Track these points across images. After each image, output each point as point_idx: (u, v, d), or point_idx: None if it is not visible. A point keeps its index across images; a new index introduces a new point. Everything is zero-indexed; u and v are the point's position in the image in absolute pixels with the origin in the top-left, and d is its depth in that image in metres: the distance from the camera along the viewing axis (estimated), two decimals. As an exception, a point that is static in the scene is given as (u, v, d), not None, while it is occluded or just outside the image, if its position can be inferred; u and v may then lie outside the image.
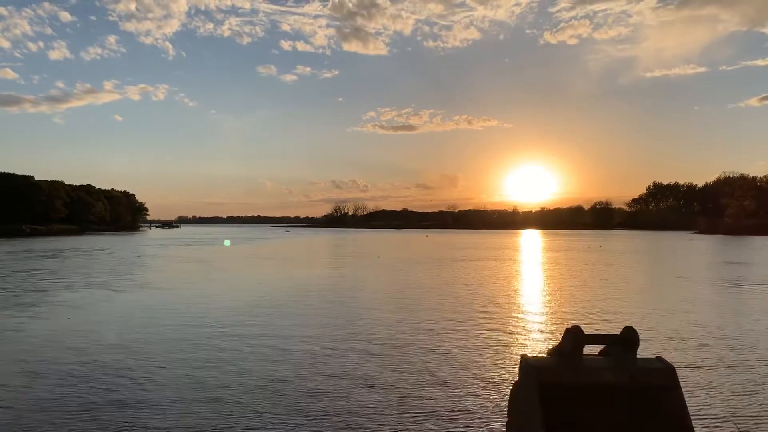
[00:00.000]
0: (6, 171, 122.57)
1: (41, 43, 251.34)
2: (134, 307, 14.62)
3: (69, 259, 33.47)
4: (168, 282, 21.12)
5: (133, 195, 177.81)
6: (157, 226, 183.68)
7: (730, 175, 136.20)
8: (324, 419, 6.08)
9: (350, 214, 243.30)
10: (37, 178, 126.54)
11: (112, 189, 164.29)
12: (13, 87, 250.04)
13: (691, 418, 3.41)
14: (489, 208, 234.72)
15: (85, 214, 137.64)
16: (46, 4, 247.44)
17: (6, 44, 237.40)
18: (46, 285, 19.40)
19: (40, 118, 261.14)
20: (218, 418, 6.14)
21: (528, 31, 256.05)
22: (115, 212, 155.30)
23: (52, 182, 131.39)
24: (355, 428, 5.84)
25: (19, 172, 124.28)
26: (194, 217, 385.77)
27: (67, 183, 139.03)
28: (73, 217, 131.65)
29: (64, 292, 17.58)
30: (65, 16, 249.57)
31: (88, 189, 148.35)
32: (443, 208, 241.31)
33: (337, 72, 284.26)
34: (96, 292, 17.52)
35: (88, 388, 7.29)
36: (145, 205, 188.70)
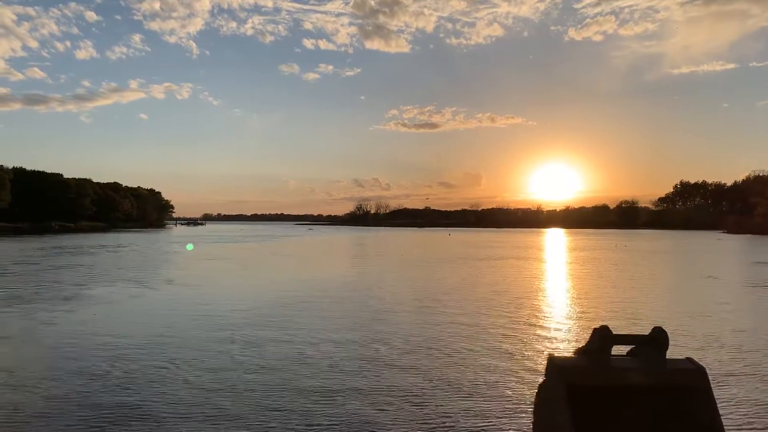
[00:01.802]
0: (35, 169, 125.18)
1: (68, 43, 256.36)
2: (162, 304, 14.84)
3: (98, 256, 34.07)
4: (194, 279, 21.37)
5: (159, 193, 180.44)
6: (182, 224, 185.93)
7: (760, 174, 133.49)
8: (344, 420, 6.11)
9: (372, 212, 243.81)
10: (65, 176, 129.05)
11: (139, 187, 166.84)
12: (41, 86, 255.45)
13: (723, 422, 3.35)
14: (512, 206, 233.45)
15: (112, 211, 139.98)
16: (73, 4, 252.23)
17: (34, 44, 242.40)
18: (77, 281, 19.76)
19: (67, 116, 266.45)
20: (236, 409, 6.21)
21: (552, 28, 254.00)
22: (142, 210, 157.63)
23: (80, 180, 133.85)
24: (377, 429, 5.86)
25: (48, 170, 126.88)
26: (219, 214, 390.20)
27: (94, 181, 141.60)
28: (101, 215, 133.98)
29: (95, 287, 17.90)
30: (91, 15, 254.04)
31: (115, 187, 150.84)
32: (466, 207, 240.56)
33: (359, 70, 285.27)
34: (126, 289, 17.80)
35: (115, 380, 7.42)
36: (171, 203, 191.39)
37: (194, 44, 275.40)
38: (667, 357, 3.52)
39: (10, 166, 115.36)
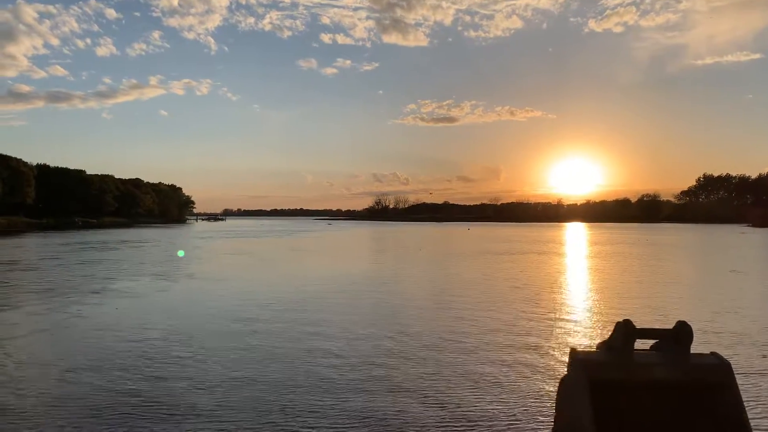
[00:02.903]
0: (59, 166, 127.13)
1: (88, 40, 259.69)
2: (187, 297, 15.03)
3: (122, 251, 34.56)
4: (215, 273, 21.59)
5: (180, 189, 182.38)
6: (203, 219, 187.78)
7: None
8: (369, 414, 6.16)
9: (391, 207, 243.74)
10: (88, 173, 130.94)
11: (160, 183, 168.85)
12: (63, 83, 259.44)
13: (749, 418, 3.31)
14: (532, 200, 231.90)
15: (134, 207, 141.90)
16: (92, 2, 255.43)
17: (55, 41, 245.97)
18: (104, 275, 20.08)
19: (89, 113, 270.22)
20: (262, 401, 6.29)
21: (572, 19, 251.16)
22: (163, 205, 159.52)
23: (103, 176, 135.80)
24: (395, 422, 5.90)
25: (71, 167, 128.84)
26: (239, 210, 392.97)
27: (116, 177, 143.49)
28: (123, 211, 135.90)
29: (120, 281, 18.17)
30: (110, 12, 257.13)
31: (136, 183, 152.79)
32: (485, 201, 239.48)
33: (377, 64, 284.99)
34: (151, 283, 18.05)
35: (141, 372, 7.55)
36: (192, 199, 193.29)
37: (212, 40, 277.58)
38: (691, 352, 3.49)
39: (34, 163, 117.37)
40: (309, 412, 6.14)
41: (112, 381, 7.27)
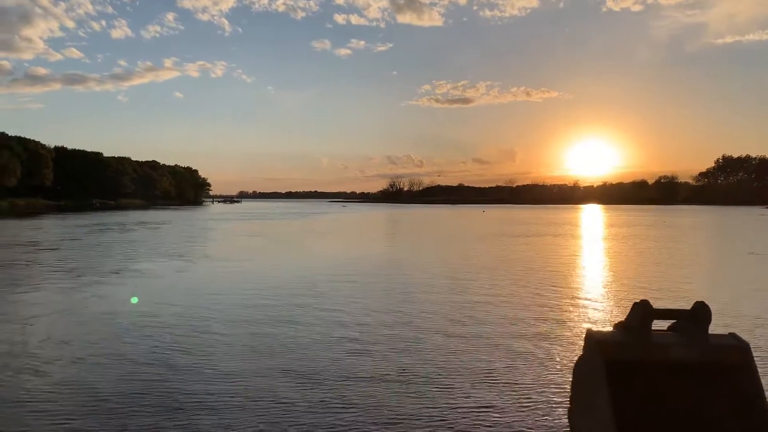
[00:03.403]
0: (76, 148, 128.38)
1: (103, 22, 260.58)
2: (204, 278, 15.22)
3: (140, 232, 34.96)
4: (231, 254, 21.78)
5: (196, 171, 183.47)
6: (219, 201, 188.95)
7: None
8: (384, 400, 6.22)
9: (406, 189, 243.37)
10: (105, 155, 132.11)
11: (176, 165, 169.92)
12: (79, 66, 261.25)
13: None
14: (548, 182, 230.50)
15: (150, 189, 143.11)
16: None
17: (71, 24, 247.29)
18: (121, 255, 20.34)
19: (105, 96, 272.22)
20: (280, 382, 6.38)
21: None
22: (180, 187, 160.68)
23: (120, 158, 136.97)
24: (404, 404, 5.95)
25: (88, 149, 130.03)
26: (254, 192, 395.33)
27: (133, 159, 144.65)
28: (140, 192, 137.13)
29: (139, 262, 18.41)
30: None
31: (153, 165, 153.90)
32: (500, 183, 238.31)
33: (391, 45, 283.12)
34: (169, 263, 18.25)
35: (166, 349, 7.67)
36: (208, 181, 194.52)
37: (226, 21, 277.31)
38: (709, 333, 3.47)
39: (52, 146, 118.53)
40: (330, 396, 6.21)
41: (130, 361, 7.39)
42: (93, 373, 6.80)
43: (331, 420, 5.40)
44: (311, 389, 6.25)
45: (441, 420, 5.40)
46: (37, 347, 7.97)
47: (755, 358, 3.39)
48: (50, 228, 39.30)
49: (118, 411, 5.60)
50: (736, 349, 3.40)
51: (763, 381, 3.32)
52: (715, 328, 3.35)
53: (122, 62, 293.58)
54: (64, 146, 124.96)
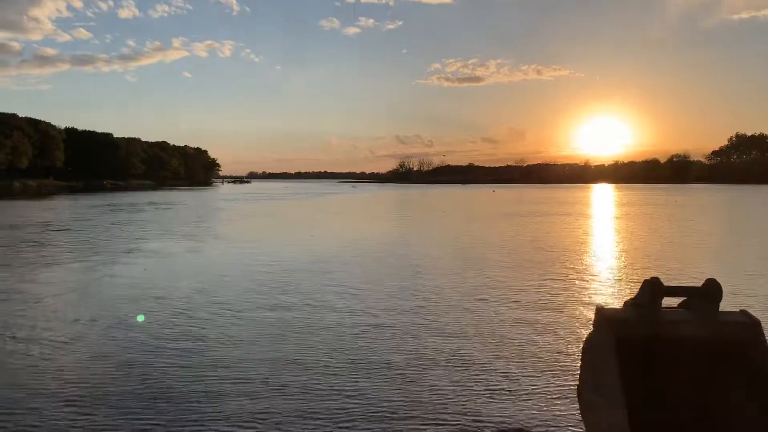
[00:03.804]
0: (86, 129, 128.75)
1: (111, 2, 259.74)
2: (215, 258, 15.35)
3: (151, 213, 35.17)
4: (242, 234, 21.89)
5: (205, 151, 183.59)
6: (229, 182, 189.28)
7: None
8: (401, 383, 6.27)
9: (415, 169, 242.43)
10: (114, 136, 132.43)
11: (186, 146, 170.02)
12: (88, 47, 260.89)
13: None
14: (559, 162, 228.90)
15: (160, 170, 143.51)
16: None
17: (78, 4, 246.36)
18: (133, 235, 20.49)
19: (113, 76, 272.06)
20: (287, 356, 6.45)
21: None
22: (189, 168, 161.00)
23: (130, 139, 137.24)
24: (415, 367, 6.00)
25: (98, 130, 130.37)
26: (264, 172, 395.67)
27: (143, 140, 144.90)
28: (150, 173, 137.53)
29: (151, 241, 18.55)
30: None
31: (162, 146, 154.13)
32: (511, 163, 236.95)
33: (400, 23, 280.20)
34: (180, 243, 18.37)
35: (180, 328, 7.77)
36: (217, 161, 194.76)
37: (234, 0, 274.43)
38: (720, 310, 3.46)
39: (62, 127, 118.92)
40: (340, 372, 6.27)
41: (142, 338, 7.49)
42: (99, 352, 6.90)
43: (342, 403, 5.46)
44: (318, 375, 6.31)
45: (444, 403, 5.44)
46: (45, 327, 8.09)
47: (767, 336, 3.38)
48: (62, 208, 39.60)
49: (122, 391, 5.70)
50: (747, 326, 3.38)
51: (773, 358, 3.32)
52: (729, 307, 3.35)
53: (130, 42, 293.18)
54: (75, 127, 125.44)
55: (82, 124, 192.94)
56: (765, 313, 8.71)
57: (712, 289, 3.42)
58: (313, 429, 4.74)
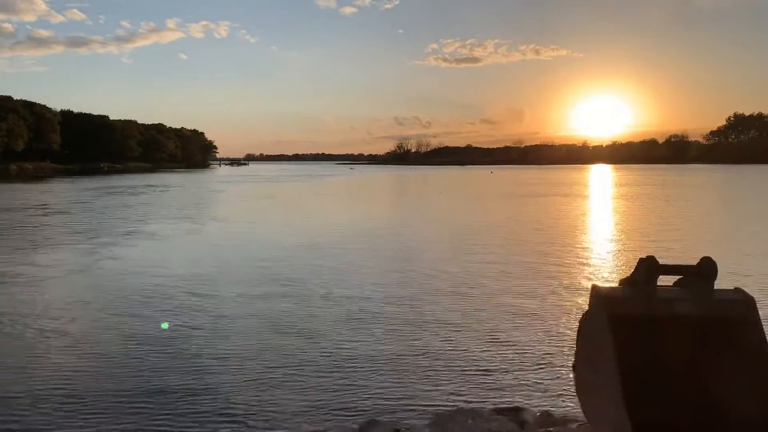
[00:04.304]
0: (82, 111, 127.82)
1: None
2: (214, 240, 15.36)
3: (149, 195, 35.11)
4: (242, 216, 21.88)
5: (202, 133, 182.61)
6: (226, 164, 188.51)
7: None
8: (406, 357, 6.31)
9: (413, 151, 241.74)
10: (111, 118, 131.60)
11: (182, 128, 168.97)
12: (82, 28, 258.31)
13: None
14: (557, 142, 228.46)
15: (157, 152, 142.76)
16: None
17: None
18: (131, 218, 20.46)
19: (108, 58, 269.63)
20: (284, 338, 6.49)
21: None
22: (186, 150, 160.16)
23: (126, 122, 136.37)
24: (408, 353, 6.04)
25: (94, 113, 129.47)
26: (261, 155, 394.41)
27: (139, 122, 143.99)
28: (147, 156, 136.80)
29: (149, 224, 18.52)
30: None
31: (159, 128, 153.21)
32: (509, 144, 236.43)
33: (397, 2, 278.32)
34: (179, 225, 18.34)
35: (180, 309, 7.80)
36: (214, 143, 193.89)
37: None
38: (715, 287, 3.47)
39: (58, 109, 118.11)
40: (337, 352, 6.31)
41: (143, 320, 7.52)
42: (98, 335, 6.93)
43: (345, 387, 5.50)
44: (321, 343, 6.35)
45: (447, 377, 5.49)
46: (43, 310, 8.11)
47: (761, 314, 3.40)
48: (60, 191, 39.49)
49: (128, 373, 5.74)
50: (742, 303, 3.40)
51: None
52: (724, 286, 3.36)
53: (125, 23, 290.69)
54: (71, 110, 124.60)
55: (78, 106, 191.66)
56: (760, 291, 8.76)
57: (707, 268, 3.44)
58: (311, 422, 4.79)
